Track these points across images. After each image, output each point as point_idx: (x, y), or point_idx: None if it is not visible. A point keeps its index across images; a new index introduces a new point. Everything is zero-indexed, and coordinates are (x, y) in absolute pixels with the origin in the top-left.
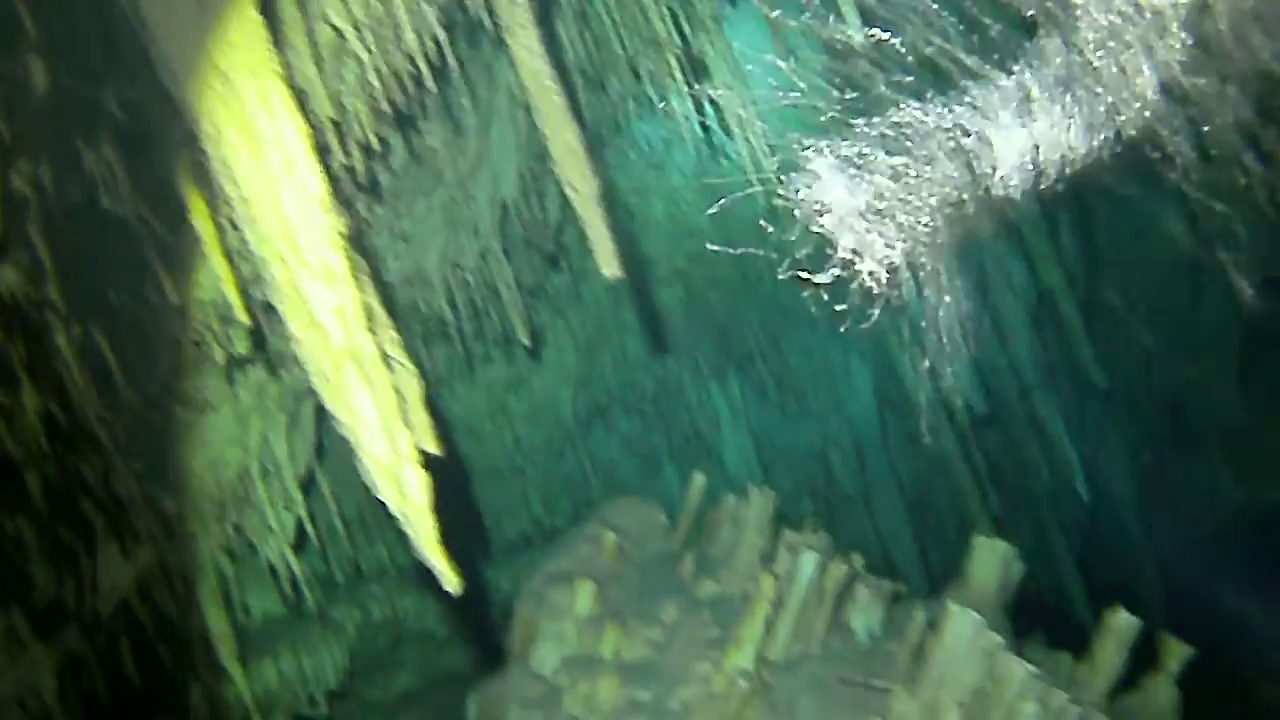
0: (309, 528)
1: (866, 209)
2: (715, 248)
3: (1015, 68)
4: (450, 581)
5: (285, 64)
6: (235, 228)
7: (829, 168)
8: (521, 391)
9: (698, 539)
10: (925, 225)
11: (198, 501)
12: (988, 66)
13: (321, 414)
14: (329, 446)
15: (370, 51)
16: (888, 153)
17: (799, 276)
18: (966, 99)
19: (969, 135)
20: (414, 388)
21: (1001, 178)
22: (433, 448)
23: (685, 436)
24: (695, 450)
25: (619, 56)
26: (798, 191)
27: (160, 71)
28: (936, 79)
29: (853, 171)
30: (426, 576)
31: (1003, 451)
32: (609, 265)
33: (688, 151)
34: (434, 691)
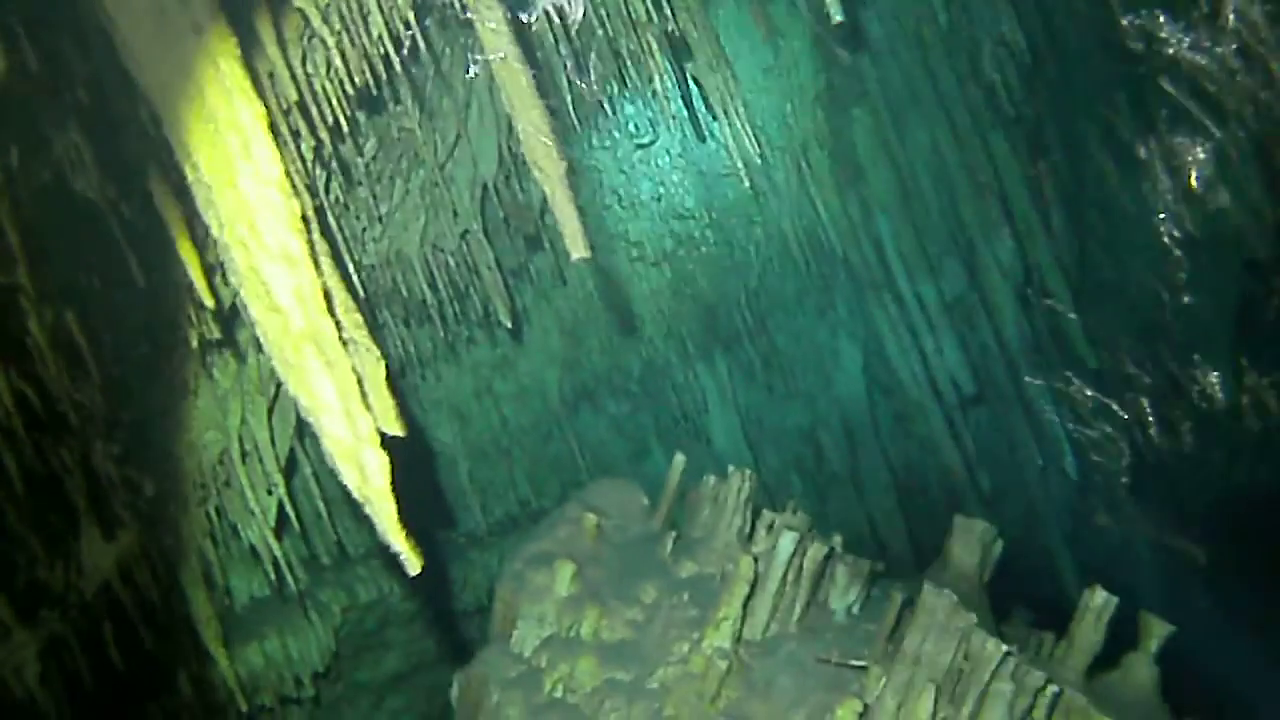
0: (290, 510)
1: None
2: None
3: None
4: (412, 564)
5: (246, 48)
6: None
7: None
8: (507, 373)
9: (680, 520)
10: None
11: (179, 485)
12: None
13: None
14: (310, 429)
15: (338, 35)
16: None
17: None
18: None
19: None
20: (377, 370)
21: None
22: (395, 430)
23: (673, 418)
24: (683, 431)
25: (599, 37)
26: None
27: (122, 55)
28: None
29: None
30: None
31: (992, 431)
32: (577, 247)
33: (674, 132)
34: (422, 673)
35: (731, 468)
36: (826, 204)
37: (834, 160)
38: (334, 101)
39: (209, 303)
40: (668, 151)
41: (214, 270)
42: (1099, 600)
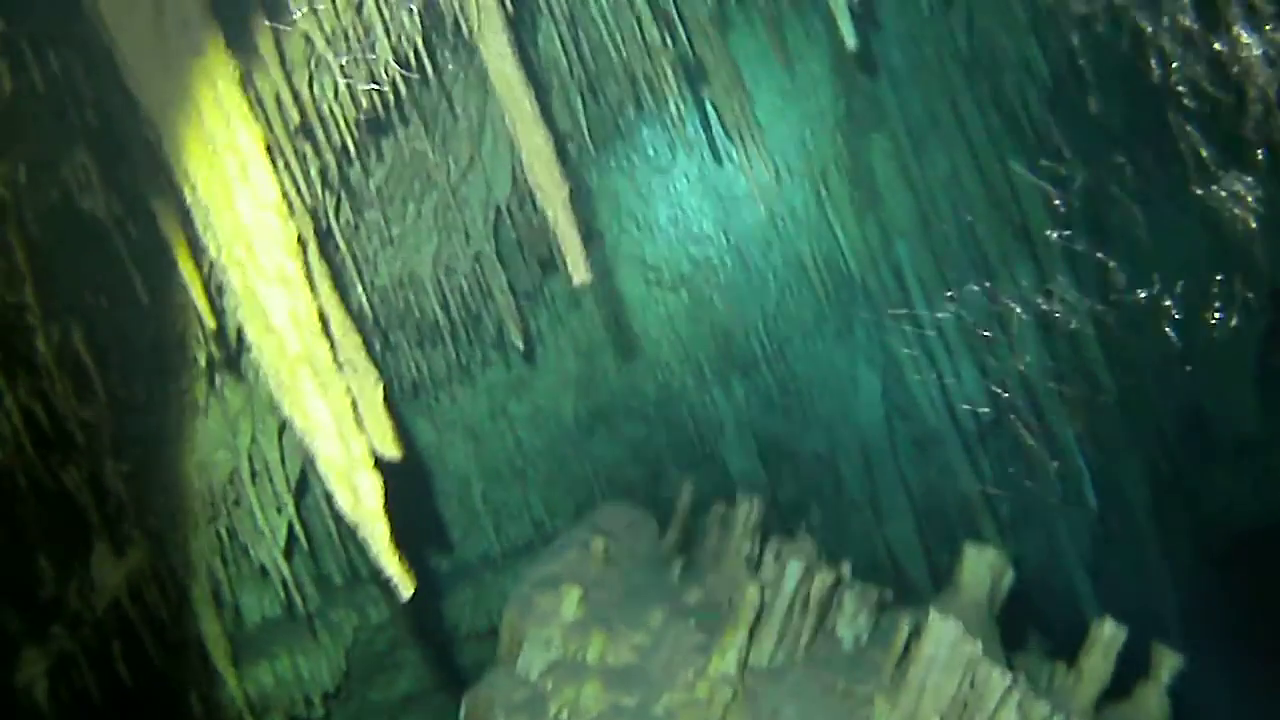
0: (300, 530)
1: None
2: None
3: None
4: (404, 587)
5: (247, 70)
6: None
7: None
8: (523, 395)
9: (689, 545)
10: None
11: (188, 504)
12: None
13: None
14: None
15: (343, 58)
16: None
17: None
18: None
19: None
20: (375, 392)
21: None
22: (393, 452)
23: (689, 442)
24: (699, 456)
25: (614, 62)
26: None
27: (124, 76)
28: None
29: None
30: (420, 580)
31: (1011, 459)
32: (578, 271)
33: (692, 156)
34: (435, 694)
35: (739, 494)
36: (845, 229)
37: (853, 185)
38: (342, 124)
39: (210, 323)
40: (685, 175)
41: (218, 291)
42: (1108, 631)
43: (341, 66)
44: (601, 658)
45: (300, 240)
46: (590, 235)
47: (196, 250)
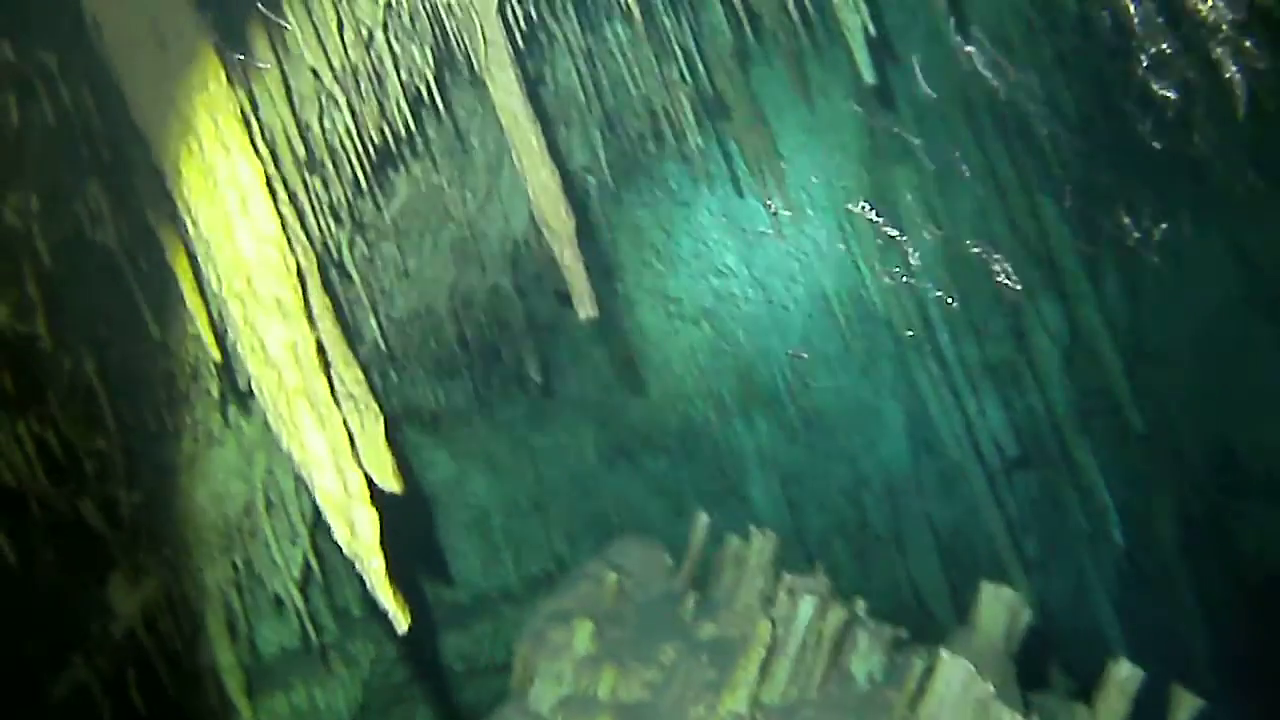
0: (315, 562)
1: None
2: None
3: None
4: (400, 621)
5: (252, 105)
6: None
7: None
8: (543, 427)
9: (703, 580)
10: None
11: (203, 534)
12: None
13: None
14: None
15: (351, 94)
16: None
17: None
18: None
19: None
20: (375, 426)
21: None
22: (393, 486)
23: (711, 476)
24: (722, 490)
25: (633, 96)
26: None
27: (131, 111)
28: None
29: None
30: (437, 613)
31: (1038, 496)
32: (584, 306)
33: (714, 190)
34: None
35: (753, 529)
36: (868, 263)
37: (876, 219)
38: (354, 157)
39: (216, 355)
40: (708, 209)
41: (223, 323)
42: (1123, 673)
43: (349, 102)
44: (613, 693)
45: (299, 273)
46: (611, 268)
47: (201, 283)
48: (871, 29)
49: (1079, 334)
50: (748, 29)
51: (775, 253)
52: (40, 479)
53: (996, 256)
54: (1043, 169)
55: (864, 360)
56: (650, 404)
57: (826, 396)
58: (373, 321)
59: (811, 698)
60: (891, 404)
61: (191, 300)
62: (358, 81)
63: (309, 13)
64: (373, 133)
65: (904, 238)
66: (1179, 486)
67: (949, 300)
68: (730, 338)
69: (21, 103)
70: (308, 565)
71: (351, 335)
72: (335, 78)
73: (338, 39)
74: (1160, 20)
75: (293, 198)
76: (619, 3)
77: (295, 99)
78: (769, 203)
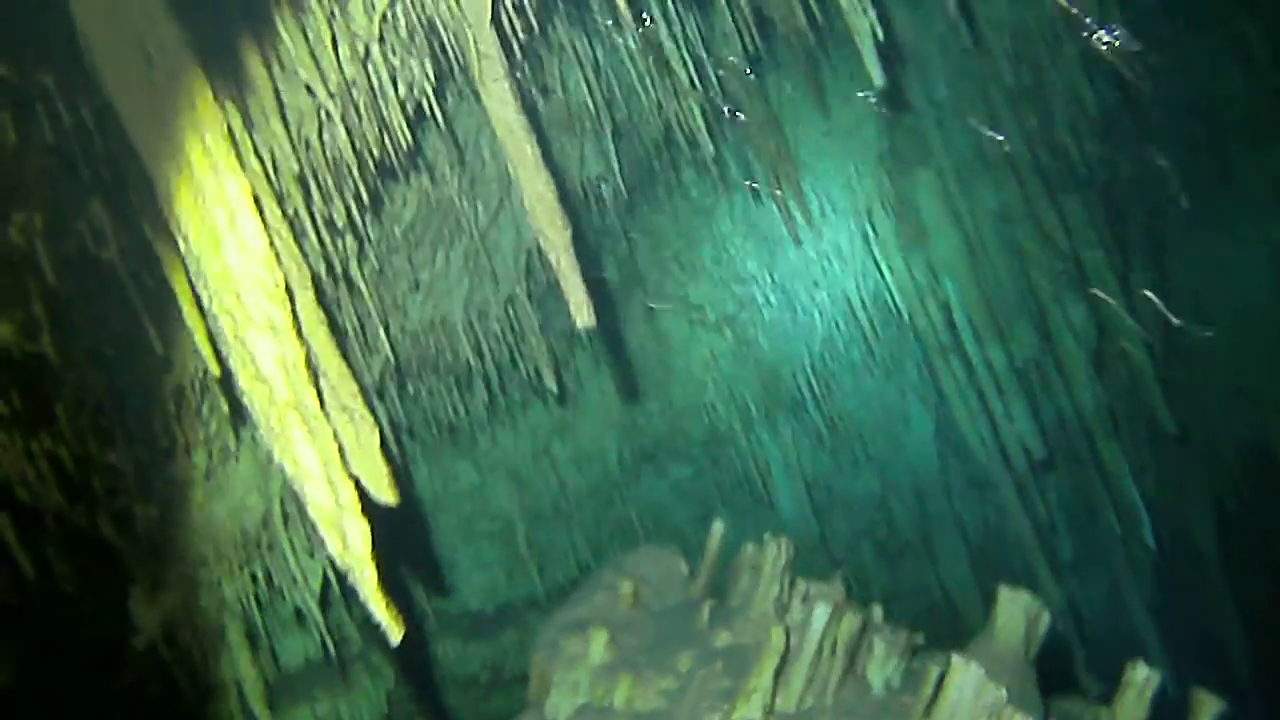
0: (333, 575)
1: None
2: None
3: None
4: (393, 633)
5: (245, 121)
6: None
7: None
8: (566, 436)
9: (720, 587)
10: None
11: (221, 548)
12: None
13: None
14: None
15: (348, 109)
16: None
17: None
18: None
19: None
20: (370, 438)
21: None
22: (388, 498)
23: (737, 483)
24: (747, 497)
25: (645, 104)
26: None
27: (126, 128)
28: None
29: None
30: (463, 623)
31: (1069, 499)
32: (581, 315)
33: (734, 196)
34: None
35: (768, 536)
36: (891, 267)
37: (899, 223)
38: (356, 171)
39: (215, 370)
40: (728, 216)
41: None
42: (1140, 676)
43: (347, 116)
44: (629, 702)
45: (289, 288)
46: (633, 277)
47: (198, 299)
48: (880, 33)
49: (1106, 334)
50: (758, 36)
51: (797, 258)
52: (55, 495)
53: (1020, 256)
54: (1066, 167)
55: (889, 364)
56: (674, 411)
57: (851, 402)
58: (385, 334)
59: (827, 705)
60: (918, 408)
61: (190, 316)
62: (355, 96)
63: (302, 28)
64: (374, 147)
65: (926, 240)
66: (1213, 487)
67: (973, 301)
68: (753, 344)
69: (20, 122)
70: (327, 578)
71: (352, 348)
72: (331, 93)
73: (332, 54)
74: None
75: (290, 213)
76: (629, 11)
77: (291, 114)
78: (789, 208)
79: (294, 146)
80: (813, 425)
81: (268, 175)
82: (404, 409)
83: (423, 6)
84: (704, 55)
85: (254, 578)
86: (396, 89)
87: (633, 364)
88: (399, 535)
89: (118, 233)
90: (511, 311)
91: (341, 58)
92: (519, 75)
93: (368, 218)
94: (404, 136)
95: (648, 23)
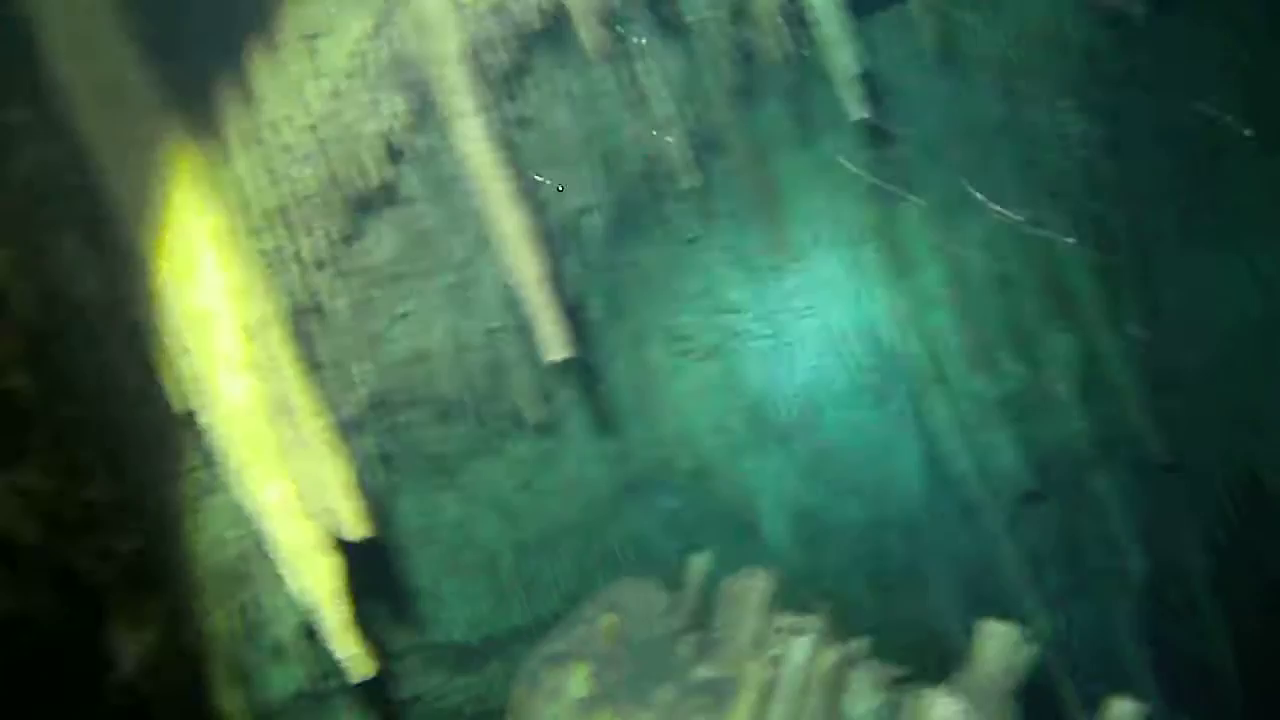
0: None
1: None
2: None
3: None
4: (362, 669)
5: (220, 156)
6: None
7: None
8: (551, 468)
9: (702, 620)
10: None
11: (204, 581)
12: None
13: None
14: None
15: (326, 144)
16: None
17: None
18: None
19: None
20: (340, 474)
21: None
22: (360, 533)
23: (725, 514)
24: (736, 528)
25: (627, 136)
26: None
27: (100, 165)
28: None
29: None
30: (447, 655)
31: (1058, 529)
32: (553, 349)
33: (720, 227)
34: None
35: (746, 569)
36: (878, 297)
37: (885, 253)
38: (333, 206)
39: (186, 406)
40: (713, 246)
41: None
42: (1117, 711)
43: (323, 151)
44: None
45: (257, 325)
46: (617, 309)
47: (171, 334)
48: (854, 67)
49: (1095, 363)
50: (741, 67)
51: (783, 288)
52: (32, 530)
53: (1007, 286)
54: (1051, 198)
55: (876, 395)
56: (660, 442)
57: (839, 432)
58: (364, 367)
59: None
60: (905, 438)
61: (163, 352)
62: (330, 131)
63: (277, 64)
64: (351, 181)
65: (913, 270)
66: (1203, 516)
67: (959, 329)
68: (739, 374)
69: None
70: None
71: (330, 382)
72: (306, 127)
73: (305, 90)
74: None
75: (264, 249)
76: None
77: (265, 150)
78: (775, 239)
79: (272, 182)
80: (800, 456)
81: (242, 210)
82: (385, 442)
83: (390, 43)
84: (688, 85)
85: (237, 611)
86: (371, 124)
87: (618, 395)
88: (379, 568)
89: (93, 268)
90: (495, 344)
91: (314, 94)
92: (497, 109)
93: (345, 251)
94: (380, 171)
95: (631, 54)
